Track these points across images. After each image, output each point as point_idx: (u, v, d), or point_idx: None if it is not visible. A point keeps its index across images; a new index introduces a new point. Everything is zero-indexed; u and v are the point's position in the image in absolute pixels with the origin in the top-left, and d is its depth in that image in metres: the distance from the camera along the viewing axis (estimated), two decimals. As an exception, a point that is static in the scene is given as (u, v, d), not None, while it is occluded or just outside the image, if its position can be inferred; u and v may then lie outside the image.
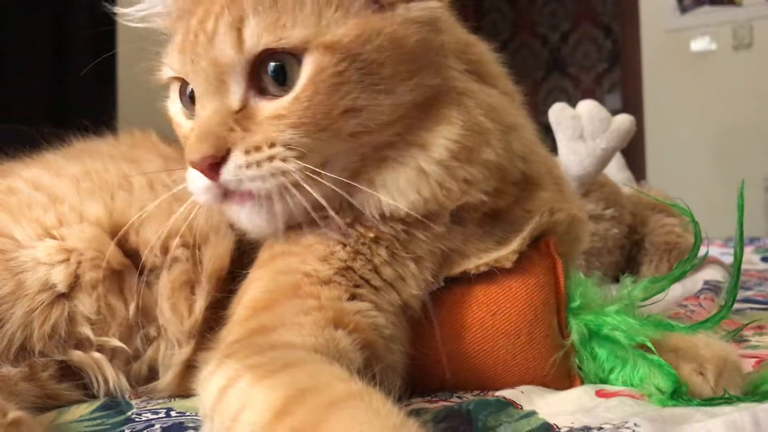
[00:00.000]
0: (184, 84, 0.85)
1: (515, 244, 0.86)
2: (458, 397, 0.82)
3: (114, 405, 0.84)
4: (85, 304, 0.86)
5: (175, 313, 0.89)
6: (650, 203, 1.78)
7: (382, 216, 0.81)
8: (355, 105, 0.76)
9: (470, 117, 0.83)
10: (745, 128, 4.71)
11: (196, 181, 0.78)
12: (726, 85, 4.82)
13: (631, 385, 0.81)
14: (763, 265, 2.21)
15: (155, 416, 0.78)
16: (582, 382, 0.85)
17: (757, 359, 0.90)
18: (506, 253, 0.85)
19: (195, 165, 0.76)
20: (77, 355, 0.87)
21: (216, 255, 0.91)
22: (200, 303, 0.90)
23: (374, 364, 0.74)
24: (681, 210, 0.91)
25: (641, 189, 1.96)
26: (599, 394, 0.80)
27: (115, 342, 0.88)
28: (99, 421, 0.78)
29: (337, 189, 0.77)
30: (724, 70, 4.85)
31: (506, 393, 0.79)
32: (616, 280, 0.97)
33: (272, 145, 0.75)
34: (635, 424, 0.64)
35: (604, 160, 1.77)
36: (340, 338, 0.74)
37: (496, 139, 0.84)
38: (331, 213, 0.78)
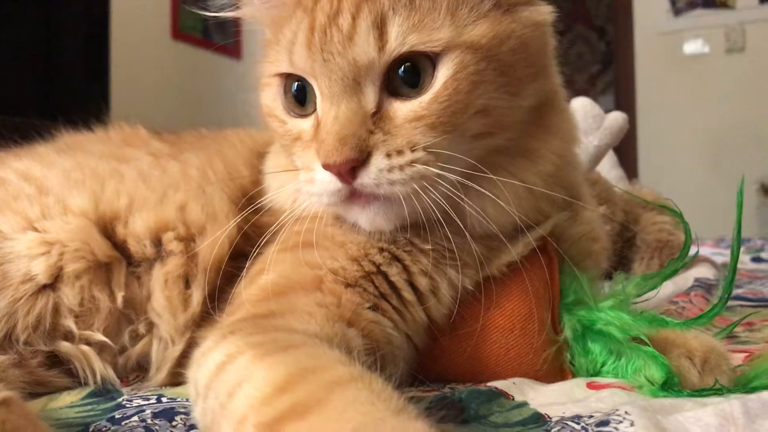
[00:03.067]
0: (290, 79, 0.82)
1: (521, 245, 0.85)
2: (451, 387, 0.82)
3: (104, 392, 0.84)
4: (68, 296, 0.86)
5: (169, 306, 0.89)
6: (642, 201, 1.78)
7: (474, 230, 0.81)
8: (488, 105, 0.76)
9: (568, 129, 0.86)
10: (737, 131, 4.74)
11: (323, 184, 0.76)
12: (718, 88, 4.85)
13: (623, 377, 0.82)
14: (753, 265, 2.22)
15: (146, 402, 0.77)
16: (574, 377, 0.86)
17: (747, 354, 0.91)
18: (512, 256, 0.85)
19: (332, 168, 0.73)
20: (65, 346, 0.86)
21: (215, 244, 0.91)
22: (198, 295, 0.90)
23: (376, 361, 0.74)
24: (671, 211, 0.92)
25: (633, 188, 1.96)
26: (590, 386, 0.81)
27: (99, 336, 0.87)
28: (90, 407, 0.78)
29: (454, 192, 0.76)
30: (716, 72, 4.88)
31: (498, 384, 0.79)
32: (608, 277, 0.97)
33: (414, 149, 0.74)
34: (626, 413, 0.64)
35: (597, 157, 1.77)
36: (352, 336, 0.74)
37: (574, 159, 0.88)
38: (453, 216, 0.76)
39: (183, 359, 0.84)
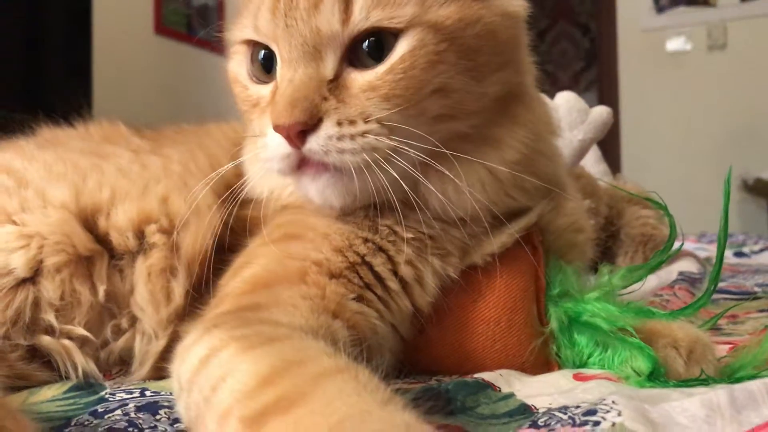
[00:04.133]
0: (257, 48, 0.82)
1: (505, 235, 0.85)
2: (437, 379, 0.82)
3: (87, 386, 0.82)
4: (48, 290, 0.85)
5: (152, 300, 0.88)
6: (626, 195, 1.79)
7: (438, 215, 0.81)
8: (447, 86, 0.77)
9: (537, 122, 0.86)
10: (719, 128, 4.79)
11: (273, 147, 0.76)
12: (700, 85, 4.89)
13: (609, 368, 0.82)
14: (735, 260, 2.25)
15: (129, 396, 0.76)
16: (560, 369, 0.86)
17: (731, 345, 0.91)
18: (496, 246, 0.85)
19: (282, 129, 0.73)
20: (45, 340, 0.85)
21: (198, 237, 0.90)
22: (181, 288, 0.89)
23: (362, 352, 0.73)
24: (656, 204, 0.92)
25: (617, 182, 1.97)
26: (577, 377, 0.81)
27: (80, 330, 0.86)
28: (72, 401, 0.77)
29: (413, 172, 0.76)
30: (698, 69, 4.92)
31: (485, 375, 0.79)
32: (593, 271, 0.97)
33: (367, 120, 0.74)
34: (613, 402, 0.64)
35: (582, 151, 1.77)
36: (337, 328, 0.74)
37: (549, 150, 0.88)
38: (414, 198, 0.77)
39: (166, 353, 0.83)
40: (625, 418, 0.61)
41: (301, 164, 0.76)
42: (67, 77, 3.53)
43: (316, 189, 0.78)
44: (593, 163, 2.06)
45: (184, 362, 0.64)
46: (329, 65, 0.75)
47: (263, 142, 0.78)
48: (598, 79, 5.80)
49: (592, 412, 0.63)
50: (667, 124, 4.95)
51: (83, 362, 0.86)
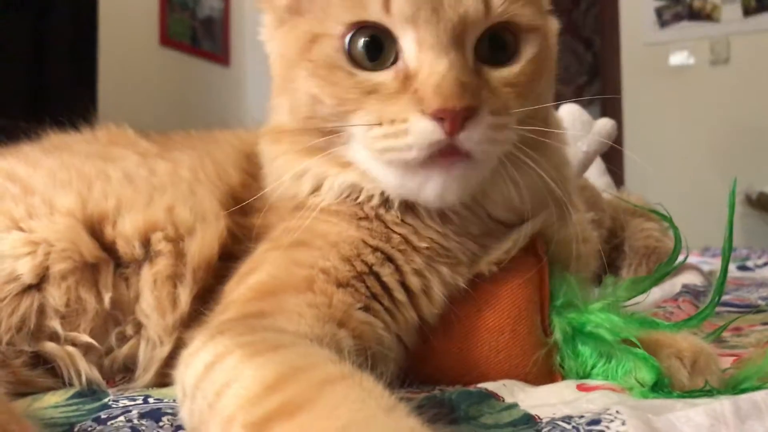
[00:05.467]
0: (359, 33, 0.78)
1: (510, 243, 0.86)
2: (440, 389, 0.82)
3: (90, 392, 0.82)
4: (54, 296, 0.85)
5: (158, 306, 0.88)
6: (630, 208, 1.79)
7: (492, 214, 0.85)
8: (542, 90, 0.83)
9: (561, 129, 0.94)
10: (722, 142, 4.78)
11: (423, 133, 0.72)
12: (703, 99, 4.89)
13: (613, 379, 0.82)
14: (739, 273, 2.24)
15: (132, 403, 0.76)
16: (563, 379, 0.85)
17: (735, 357, 0.91)
18: (502, 253, 0.85)
19: (447, 113, 0.70)
20: (50, 346, 0.85)
21: (204, 244, 0.90)
22: (186, 295, 0.89)
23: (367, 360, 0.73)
24: (660, 216, 0.92)
25: (621, 195, 1.97)
26: (580, 387, 0.80)
27: (85, 338, 0.86)
28: (75, 408, 0.77)
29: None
30: (701, 83, 4.93)
31: (488, 385, 0.79)
32: (597, 282, 0.97)
33: (509, 112, 0.76)
34: (617, 412, 0.64)
35: (586, 163, 1.78)
36: (342, 337, 0.73)
37: (563, 159, 0.94)
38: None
39: (170, 360, 0.83)
40: (630, 428, 0.60)
41: (441, 153, 0.74)
42: (72, 87, 3.55)
43: (442, 182, 0.76)
44: (597, 176, 2.06)
45: (189, 368, 0.64)
46: (469, 54, 0.76)
47: (400, 128, 0.74)
48: (601, 92, 5.81)
49: (596, 421, 0.63)
50: (671, 137, 4.95)
51: (87, 369, 0.85)
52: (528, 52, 0.79)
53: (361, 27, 0.78)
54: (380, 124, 0.75)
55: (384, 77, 0.77)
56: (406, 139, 0.73)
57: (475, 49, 0.77)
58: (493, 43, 0.78)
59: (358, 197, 0.84)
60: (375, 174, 0.81)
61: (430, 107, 0.71)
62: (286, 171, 0.86)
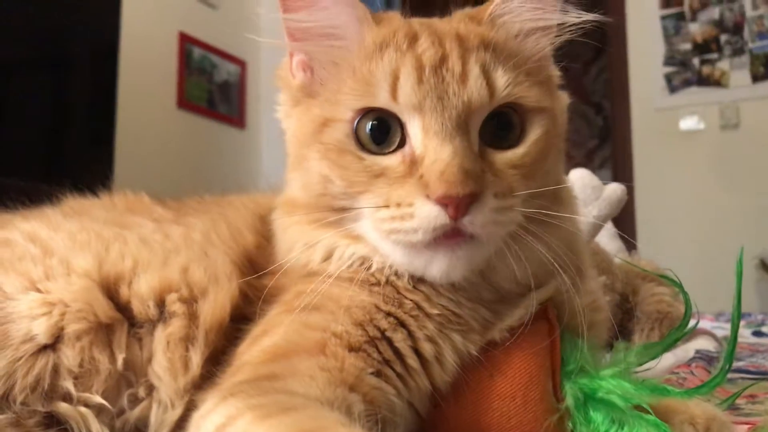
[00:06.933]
0: (365, 118, 0.81)
1: (522, 309, 0.86)
2: (451, 455, 0.81)
3: (102, 452, 0.82)
4: (68, 356, 0.85)
5: (171, 368, 0.88)
6: (641, 272, 1.79)
7: (500, 286, 0.85)
8: (550, 168, 0.85)
9: (572, 199, 0.95)
10: (734, 206, 4.77)
11: (427, 218, 0.74)
12: (714, 163, 4.91)
13: (626, 446, 0.81)
14: (754, 339, 2.22)
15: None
16: (575, 446, 0.85)
17: (749, 425, 0.90)
18: (515, 320, 0.86)
19: (450, 200, 0.73)
20: (63, 407, 0.85)
21: (217, 306, 0.91)
22: (197, 358, 0.89)
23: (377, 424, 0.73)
24: (671, 281, 0.93)
25: (632, 259, 1.97)
26: (593, 454, 0.80)
27: (98, 399, 0.86)
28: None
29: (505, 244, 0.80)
30: (712, 148, 4.95)
31: (500, 452, 0.78)
32: (609, 347, 0.97)
33: (514, 194, 0.78)
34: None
35: (596, 228, 1.78)
36: (353, 401, 0.73)
37: (576, 227, 0.95)
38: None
39: (182, 422, 0.83)
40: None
41: (445, 235, 0.76)
42: (90, 148, 3.61)
43: (447, 261, 0.79)
44: (608, 240, 2.07)
45: (200, 430, 0.64)
46: (475, 139, 0.78)
47: (405, 212, 0.76)
48: (612, 156, 5.85)
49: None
50: (682, 201, 4.95)
51: (99, 430, 0.85)
52: (534, 133, 0.81)
53: (368, 111, 0.81)
54: (387, 206, 0.78)
55: (391, 161, 0.80)
56: (412, 222, 0.76)
57: (481, 130, 0.79)
58: (500, 123, 0.80)
59: (369, 267, 0.86)
60: (383, 251, 0.83)
61: (435, 193, 0.74)
62: (297, 240, 0.89)
